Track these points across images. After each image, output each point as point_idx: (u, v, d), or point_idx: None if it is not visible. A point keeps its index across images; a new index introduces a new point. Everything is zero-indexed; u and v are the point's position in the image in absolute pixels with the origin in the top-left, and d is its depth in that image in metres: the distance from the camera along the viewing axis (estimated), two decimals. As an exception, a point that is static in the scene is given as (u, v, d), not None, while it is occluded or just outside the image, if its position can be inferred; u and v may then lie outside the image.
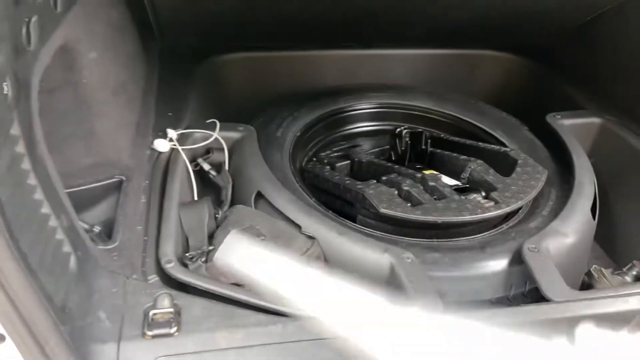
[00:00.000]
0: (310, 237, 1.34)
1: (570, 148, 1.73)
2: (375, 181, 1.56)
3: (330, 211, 1.47)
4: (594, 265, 1.35)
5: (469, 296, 1.31)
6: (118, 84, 1.43)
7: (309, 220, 1.36)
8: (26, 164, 0.88)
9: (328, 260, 1.33)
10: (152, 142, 1.53)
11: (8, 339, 0.84)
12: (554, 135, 1.82)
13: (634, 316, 1.17)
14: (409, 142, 1.93)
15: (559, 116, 1.89)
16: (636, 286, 1.26)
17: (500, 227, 1.50)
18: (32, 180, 0.89)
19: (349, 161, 1.81)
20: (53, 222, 0.94)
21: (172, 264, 1.16)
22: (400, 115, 2.00)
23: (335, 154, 1.87)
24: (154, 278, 1.13)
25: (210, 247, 1.29)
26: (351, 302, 1.07)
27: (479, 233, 1.47)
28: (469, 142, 1.83)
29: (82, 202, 1.27)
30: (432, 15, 2.00)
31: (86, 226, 1.20)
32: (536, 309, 1.16)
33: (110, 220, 1.28)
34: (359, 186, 1.52)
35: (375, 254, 1.27)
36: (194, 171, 1.54)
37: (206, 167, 1.58)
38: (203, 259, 1.25)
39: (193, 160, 1.57)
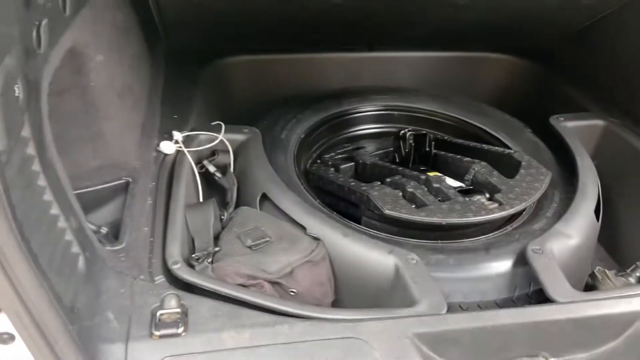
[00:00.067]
0: (315, 239, 1.35)
1: (573, 150, 1.73)
2: (379, 183, 1.56)
3: (335, 213, 1.48)
4: (597, 267, 1.36)
5: (474, 297, 1.32)
6: (124, 86, 1.44)
7: (314, 221, 1.37)
8: (36, 166, 0.89)
9: (333, 261, 1.34)
10: (158, 144, 1.53)
11: (18, 338, 0.84)
12: (557, 137, 1.82)
13: (638, 317, 1.17)
14: (413, 144, 1.93)
15: (562, 118, 1.89)
16: (640, 287, 1.27)
17: (504, 228, 1.50)
18: (42, 181, 0.90)
19: (353, 163, 1.81)
20: (62, 223, 0.95)
21: (178, 265, 1.17)
22: (404, 117, 2.01)
23: (340, 156, 1.87)
24: (160, 279, 1.14)
25: (216, 249, 1.31)
26: None
27: (483, 234, 1.48)
28: (472, 144, 1.84)
29: (90, 204, 1.28)
30: (435, 18, 2.01)
31: (94, 227, 1.21)
32: (540, 310, 1.17)
33: (117, 222, 1.29)
34: (364, 188, 1.53)
35: (380, 256, 1.28)
36: (199, 173, 1.55)
37: (212, 169, 1.59)
38: (209, 260, 1.26)
39: (199, 162, 1.58)
